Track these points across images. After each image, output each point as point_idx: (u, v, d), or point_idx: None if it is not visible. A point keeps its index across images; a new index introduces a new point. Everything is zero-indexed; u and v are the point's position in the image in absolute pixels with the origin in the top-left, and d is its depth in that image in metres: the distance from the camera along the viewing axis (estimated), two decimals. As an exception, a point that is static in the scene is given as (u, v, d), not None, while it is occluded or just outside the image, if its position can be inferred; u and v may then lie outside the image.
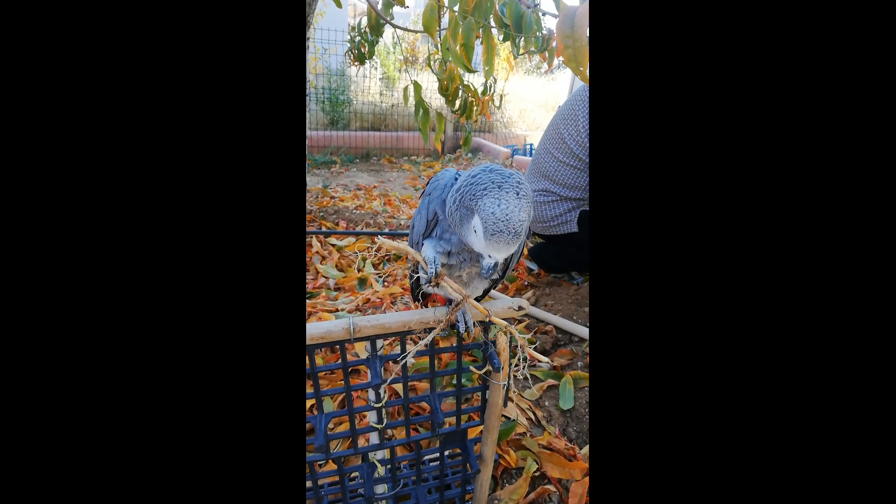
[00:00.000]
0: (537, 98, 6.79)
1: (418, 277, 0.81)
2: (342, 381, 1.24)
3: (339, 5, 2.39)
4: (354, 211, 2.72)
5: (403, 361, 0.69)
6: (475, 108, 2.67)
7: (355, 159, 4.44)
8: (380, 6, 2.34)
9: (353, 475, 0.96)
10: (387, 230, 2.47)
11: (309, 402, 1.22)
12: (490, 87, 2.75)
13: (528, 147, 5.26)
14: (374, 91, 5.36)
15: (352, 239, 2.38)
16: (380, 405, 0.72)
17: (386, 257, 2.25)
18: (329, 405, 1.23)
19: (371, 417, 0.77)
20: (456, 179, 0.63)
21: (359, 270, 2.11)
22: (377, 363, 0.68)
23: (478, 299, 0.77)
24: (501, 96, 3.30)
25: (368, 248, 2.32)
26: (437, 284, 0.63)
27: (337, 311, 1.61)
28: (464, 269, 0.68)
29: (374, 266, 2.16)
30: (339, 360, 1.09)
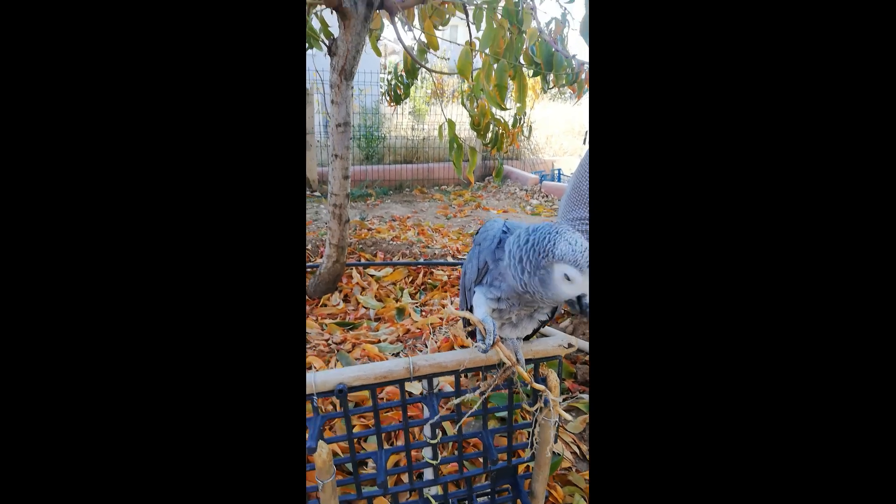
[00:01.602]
0: (564, 124, 6.86)
1: (471, 331, 0.85)
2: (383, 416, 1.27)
3: (378, 54, 2.57)
4: (391, 242, 2.82)
5: (458, 400, 0.73)
6: (506, 139, 2.75)
7: (389, 191, 4.62)
8: (415, 51, 2.51)
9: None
10: (422, 260, 2.54)
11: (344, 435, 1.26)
12: (519, 119, 2.84)
13: (557, 172, 5.29)
14: (405, 125, 5.61)
15: (389, 269, 2.46)
16: (435, 441, 0.75)
17: (423, 287, 2.31)
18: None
19: (426, 453, 0.80)
20: (504, 231, 0.68)
21: (396, 300, 2.18)
22: (434, 400, 0.72)
23: (527, 338, 0.80)
24: (530, 127, 3.38)
25: (405, 278, 2.39)
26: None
27: (379, 342, 1.66)
28: (513, 312, 0.72)
29: (412, 296, 2.22)
30: (391, 399, 1.13)
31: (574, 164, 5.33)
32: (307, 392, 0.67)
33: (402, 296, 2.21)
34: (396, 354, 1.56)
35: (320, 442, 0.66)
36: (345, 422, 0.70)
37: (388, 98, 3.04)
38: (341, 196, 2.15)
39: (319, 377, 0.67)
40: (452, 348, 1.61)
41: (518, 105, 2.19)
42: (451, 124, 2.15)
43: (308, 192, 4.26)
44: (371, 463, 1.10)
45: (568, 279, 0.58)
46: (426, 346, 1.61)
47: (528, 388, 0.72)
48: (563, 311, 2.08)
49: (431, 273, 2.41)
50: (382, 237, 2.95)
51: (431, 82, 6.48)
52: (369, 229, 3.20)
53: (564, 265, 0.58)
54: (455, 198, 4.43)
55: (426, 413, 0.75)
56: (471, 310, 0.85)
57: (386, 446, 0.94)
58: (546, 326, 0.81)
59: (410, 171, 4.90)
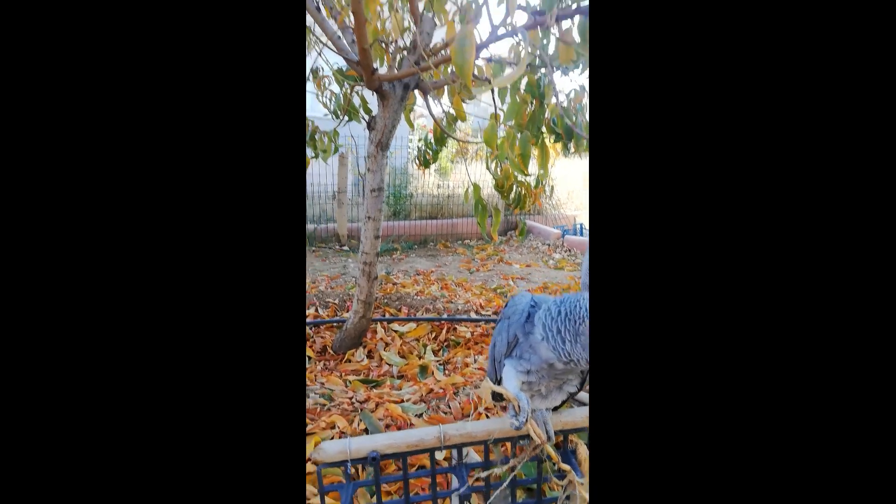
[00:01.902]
0: (585, 179, 7.05)
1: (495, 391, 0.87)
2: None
3: (411, 126, 2.80)
4: (415, 297, 2.87)
5: (487, 473, 0.73)
6: (528, 199, 2.87)
7: (414, 245, 4.77)
8: (444, 123, 2.73)
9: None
10: (446, 315, 2.57)
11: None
12: (541, 180, 2.97)
13: (579, 226, 5.35)
14: (431, 183, 5.90)
15: (413, 325, 2.49)
16: (464, 516, 0.74)
17: (446, 343, 2.32)
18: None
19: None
20: (533, 305, 0.72)
21: (420, 357, 2.18)
22: (464, 471, 0.73)
23: (557, 408, 0.81)
24: (552, 186, 3.49)
25: (429, 333, 2.41)
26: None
27: (402, 401, 1.66)
28: (543, 384, 0.74)
29: (435, 352, 2.23)
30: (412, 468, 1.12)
31: (596, 219, 5.37)
32: (342, 459, 0.69)
33: (424, 352, 2.22)
34: (420, 416, 1.55)
35: (351, 512, 0.67)
36: (376, 490, 0.71)
37: (417, 162, 3.27)
38: (372, 255, 2.26)
39: (354, 444, 0.70)
40: (475, 409, 1.58)
41: (541, 171, 2.31)
42: (477, 188, 2.27)
43: (338, 247, 4.45)
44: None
45: None
46: (449, 408, 1.59)
47: (556, 466, 0.71)
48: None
49: (455, 329, 2.42)
50: (407, 292, 3.02)
51: (456, 144, 6.90)
52: (394, 283, 3.28)
53: None
54: (478, 252, 4.51)
55: (454, 483, 0.75)
56: (499, 381, 0.87)
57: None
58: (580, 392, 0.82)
59: (435, 227, 5.07)
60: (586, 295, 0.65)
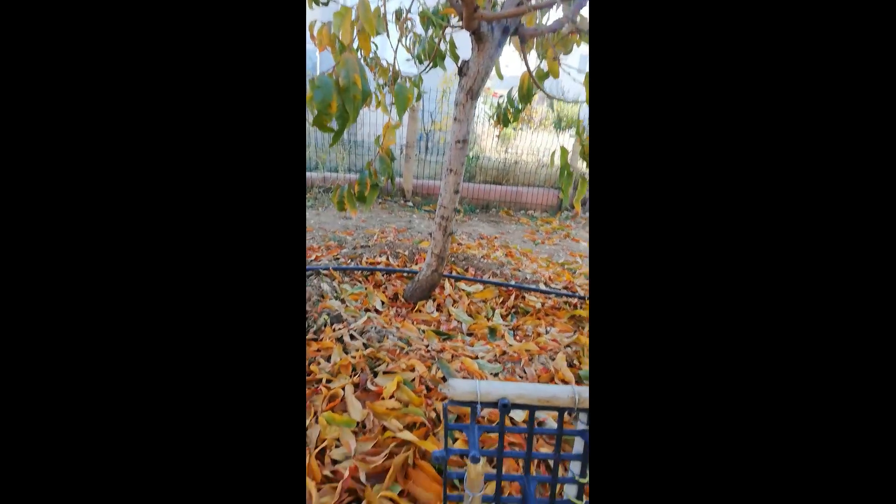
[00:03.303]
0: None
1: None
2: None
3: (500, 76, 2.65)
4: (482, 260, 2.84)
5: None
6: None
7: (476, 209, 4.69)
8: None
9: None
10: (514, 282, 2.52)
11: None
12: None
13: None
14: (495, 147, 5.70)
15: (479, 286, 2.47)
16: (584, 481, 0.71)
17: (514, 310, 2.28)
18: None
19: (569, 491, 0.77)
20: None
21: (487, 319, 2.17)
22: (587, 435, 0.69)
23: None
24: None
25: (496, 297, 2.38)
26: None
27: (476, 357, 1.65)
28: None
29: (503, 317, 2.20)
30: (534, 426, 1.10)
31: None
32: (471, 400, 0.68)
33: (493, 315, 2.20)
34: (496, 375, 1.54)
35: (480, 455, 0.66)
36: (499, 438, 0.70)
37: (494, 120, 3.12)
38: (450, 209, 2.22)
39: (483, 387, 0.68)
40: (552, 380, 1.55)
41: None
42: (564, 151, 2.12)
43: (402, 202, 4.48)
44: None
45: None
46: (525, 373, 1.56)
47: None
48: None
49: (523, 297, 2.37)
50: (473, 254, 2.98)
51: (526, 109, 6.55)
52: (459, 244, 3.26)
53: None
54: (542, 224, 4.36)
55: (576, 447, 0.72)
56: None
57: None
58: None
59: (498, 193, 4.93)
60: None
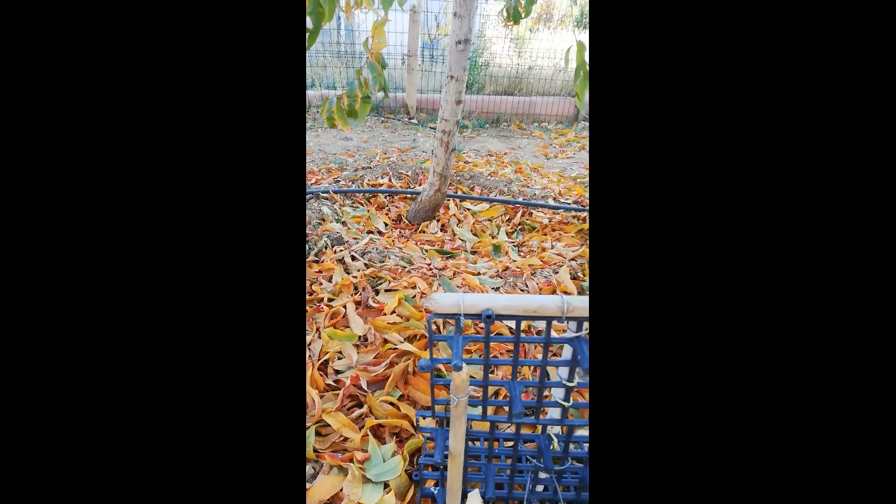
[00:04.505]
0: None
1: None
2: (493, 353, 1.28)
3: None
4: (489, 177, 2.72)
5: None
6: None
7: (486, 124, 4.40)
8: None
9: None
10: (521, 200, 2.42)
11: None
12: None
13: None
14: (508, 53, 5.14)
15: (486, 205, 2.39)
16: (572, 385, 0.71)
17: (520, 227, 2.23)
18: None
19: (557, 394, 0.78)
20: None
21: (493, 237, 2.13)
22: (583, 344, 0.67)
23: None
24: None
25: (502, 216, 2.31)
26: None
27: (479, 274, 1.65)
28: None
29: (508, 235, 2.16)
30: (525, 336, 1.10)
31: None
32: (454, 312, 0.65)
33: (498, 233, 2.15)
34: (496, 289, 1.54)
35: (463, 364, 0.65)
36: (485, 347, 0.69)
37: (505, 15, 2.74)
38: (451, 122, 2.05)
39: (468, 299, 0.65)
40: (554, 293, 1.54)
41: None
42: (581, 47, 1.87)
43: (406, 119, 4.22)
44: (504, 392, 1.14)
45: None
46: (527, 286, 1.56)
47: None
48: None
49: (530, 214, 2.29)
50: (480, 171, 2.85)
51: (540, 6, 5.76)
52: (466, 162, 3.11)
53: None
54: (556, 136, 4.08)
55: (565, 353, 0.71)
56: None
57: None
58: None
59: (509, 104, 4.57)
60: None
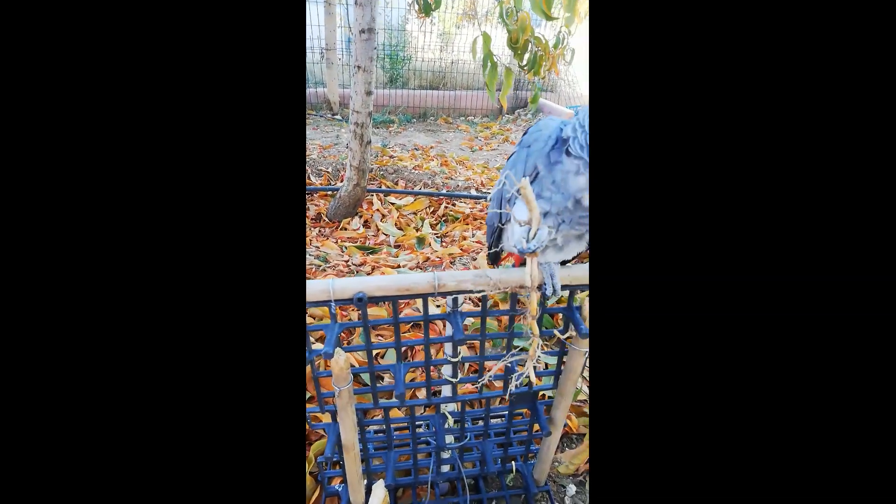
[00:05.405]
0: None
1: (498, 233, 0.77)
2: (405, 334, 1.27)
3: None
4: (413, 171, 2.71)
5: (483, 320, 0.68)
6: (545, 63, 2.48)
7: (413, 119, 4.38)
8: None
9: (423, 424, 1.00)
10: (444, 191, 2.44)
11: (376, 352, 1.27)
12: (562, 40, 2.53)
13: (594, 109, 4.87)
14: (432, 48, 5.16)
15: (410, 199, 2.38)
16: (456, 360, 0.72)
17: (444, 218, 2.24)
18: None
19: (446, 371, 0.78)
20: (562, 129, 0.58)
21: (417, 230, 2.12)
22: (459, 319, 0.68)
23: (564, 262, 0.73)
24: (573, 51, 3.03)
25: (426, 208, 2.31)
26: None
27: (398, 267, 1.63)
28: (560, 233, 0.64)
29: (432, 226, 2.16)
30: (400, 315, 1.11)
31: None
32: (325, 299, 0.63)
33: (422, 225, 2.15)
34: (415, 280, 1.54)
35: (337, 349, 0.63)
36: (363, 332, 0.67)
37: (416, 7, 2.74)
38: (363, 114, 2.01)
39: (338, 284, 0.63)
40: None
41: (567, 15, 1.92)
42: (487, 38, 1.92)
43: (329, 115, 4.07)
44: (388, 377, 1.12)
45: None
46: (446, 275, 1.57)
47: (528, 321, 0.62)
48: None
49: (454, 205, 2.32)
50: (405, 165, 2.83)
51: (463, 2, 5.84)
52: (391, 157, 3.07)
53: None
54: (482, 129, 4.17)
55: (448, 331, 0.71)
56: (499, 238, 0.77)
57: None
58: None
59: (436, 98, 4.60)
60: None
